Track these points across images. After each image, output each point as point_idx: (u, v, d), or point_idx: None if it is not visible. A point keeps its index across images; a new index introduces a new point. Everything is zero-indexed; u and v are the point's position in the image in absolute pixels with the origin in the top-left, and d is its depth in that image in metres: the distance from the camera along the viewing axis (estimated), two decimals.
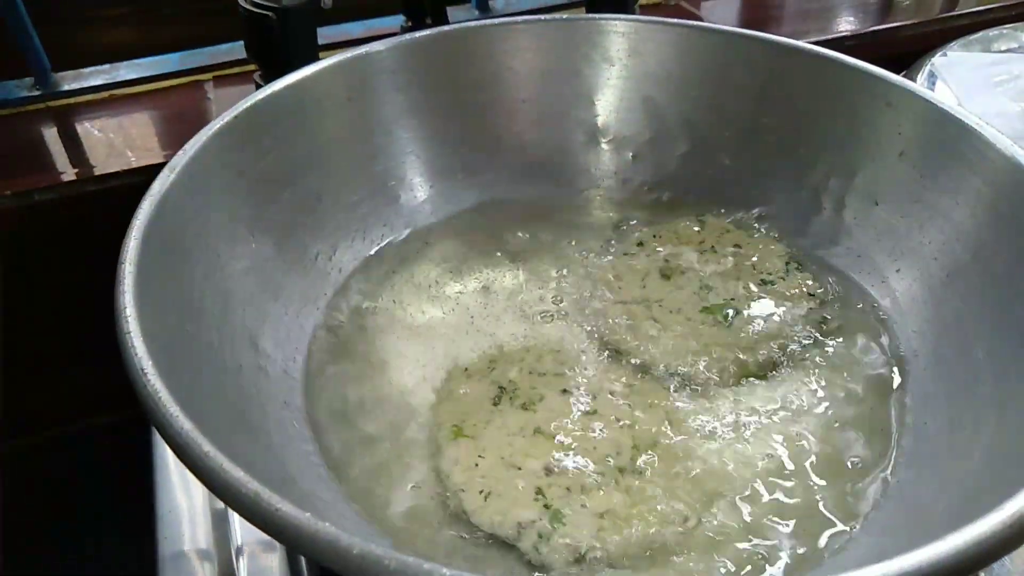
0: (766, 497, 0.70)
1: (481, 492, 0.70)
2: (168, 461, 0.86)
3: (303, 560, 0.75)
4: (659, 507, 0.69)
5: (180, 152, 0.76)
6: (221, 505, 0.82)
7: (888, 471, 0.72)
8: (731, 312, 0.87)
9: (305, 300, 0.88)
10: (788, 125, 0.96)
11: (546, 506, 0.69)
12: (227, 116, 0.81)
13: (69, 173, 1.11)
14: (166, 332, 0.62)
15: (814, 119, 0.94)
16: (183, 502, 0.83)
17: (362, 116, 0.96)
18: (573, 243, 0.99)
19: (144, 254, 0.64)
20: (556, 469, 0.72)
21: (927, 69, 1.28)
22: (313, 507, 0.64)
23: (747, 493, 0.71)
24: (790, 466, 0.73)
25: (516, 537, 0.67)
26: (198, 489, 0.84)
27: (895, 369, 0.81)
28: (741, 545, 0.67)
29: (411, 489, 0.73)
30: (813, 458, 0.74)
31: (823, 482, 0.72)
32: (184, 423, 0.49)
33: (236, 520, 0.80)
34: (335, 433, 0.78)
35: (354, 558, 0.41)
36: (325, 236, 0.93)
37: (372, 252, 0.97)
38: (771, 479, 0.72)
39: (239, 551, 0.77)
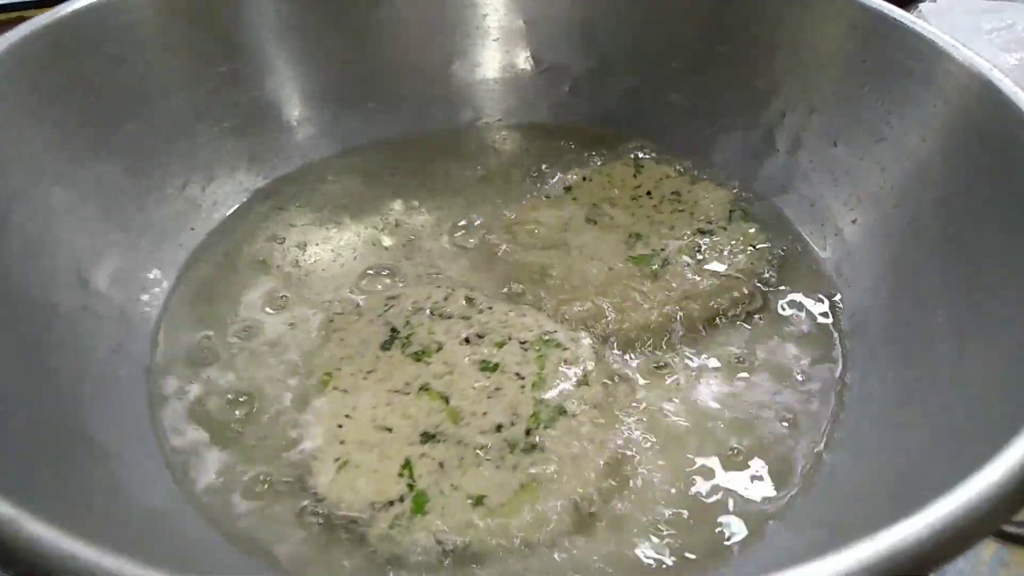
0: (680, 484, 0.59)
1: (337, 460, 0.58)
2: None
3: None
4: (547, 495, 0.57)
5: None
6: None
7: (823, 447, 0.61)
8: (661, 263, 0.75)
9: (164, 234, 0.75)
10: (744, 55, 0.84)
11: (410, 485, 0.57)
12: (46, 18, 0.67)
13: None
14: None
15: (773, 48, 0.81)
16: None
17: (239, 31, 0.80)
18: (491, 183, 0.86)
19: None
20: (435, 437, 0.60)
21: (914, 15, 1.16)
22: (113, 470, 0.53)
23: (656, 479, 0.59)
24: (713, 448, 0.61)
25: (367, 521, 0.55)
26: None
27: (843, 331, 0.69)
28: (635, 548, 0.56)
29: (259, 453, 0.61)
30: (742, 438, 0.62)
31: (750, 464, 0.61)
32: None
33: None
34: (179, 385, 0.65)
35: None
36: (198, 164, 0.79)
37: (257, 186, 0.84)
38: (689, 461, 0.60)
39: None
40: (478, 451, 0.59)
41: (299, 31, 0.83)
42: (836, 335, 0.69)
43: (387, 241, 0.80)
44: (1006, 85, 0.60)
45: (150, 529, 0.52)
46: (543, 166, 0.88)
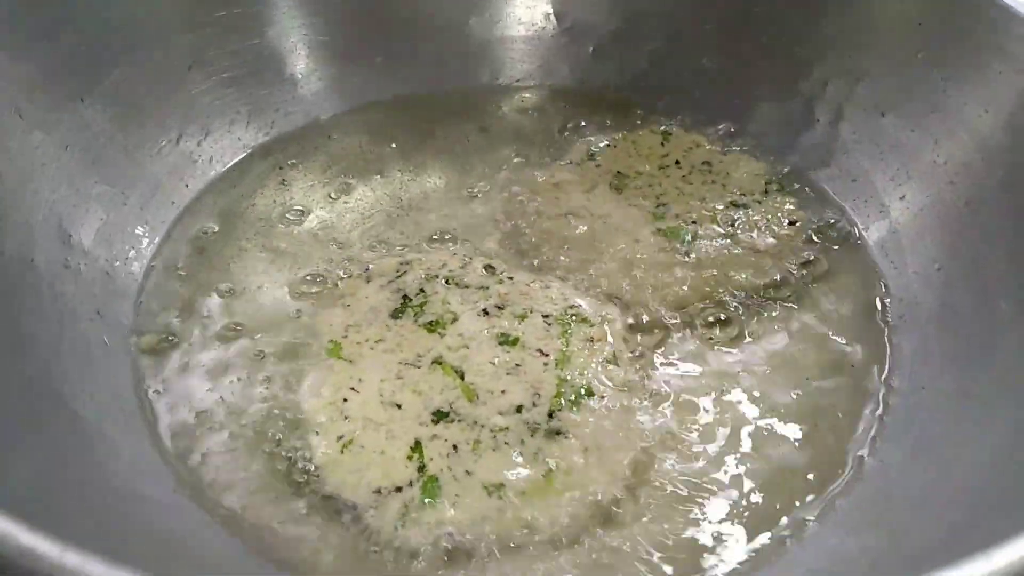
0: (713, 476, 0.54)
1: (340, 439, 0.53)
2: None
3: None
4: (572, 485, 0.51)
5: None
6: None
7: (867, 449, 0.56)
8: (691, 237, 0.69)
9: (155, 190, 0.69)
10: (784, 16, 0.78)
11: (420, 469, 0.52)
12: None
13: None
14: None
15: (816, 9, 0.75)
16: None
17: None
18: (509, 147, 0.80)
19: None
20: (448, 415, 0.55)
21: None
22: (94, 445, 0.48)
23: (686, 472, 0.54)
24: (747, 443, 0.56)
25: (372, 508, 0.50)
26: None
27: (889, 321, 0.64)
28: (666, 545, 0.50)
29: (254, 428, 0.55)
30: (779, 433, 0.57)
31: (787, 459, 0.55)
32: None
33: None
34: (167, 353, 0.60)
35: None
36: (194, 116, 0.73)
37: (258, 142, 0.78)
38: (722, 451, 0.55)
39: None
40: (495, 433, 0.54)
41: None
42: (882, 324, 0.64)
43: (396, 205, 0.74)
44: None
45: (133, 510, 0.47)
46: (564, 131, 0.82)
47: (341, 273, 0.66)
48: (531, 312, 0.62)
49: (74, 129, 0.63)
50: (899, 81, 0.69)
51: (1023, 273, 0.55)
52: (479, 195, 0.75)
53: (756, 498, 0.53)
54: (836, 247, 0.70)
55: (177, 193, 0.71)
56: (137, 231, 0.66)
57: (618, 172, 0.76)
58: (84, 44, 0.64)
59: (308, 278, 0.66)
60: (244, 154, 0.77)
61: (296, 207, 0.73)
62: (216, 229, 0.70)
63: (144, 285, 0.64)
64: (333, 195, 0.75)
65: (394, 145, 0.80)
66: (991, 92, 0.61)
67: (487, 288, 0.64)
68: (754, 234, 0.70)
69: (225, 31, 0.74)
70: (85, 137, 0.64)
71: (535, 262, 0.68)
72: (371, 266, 0.66)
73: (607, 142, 0.79)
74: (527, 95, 0.86)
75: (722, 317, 0.64)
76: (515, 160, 0.79)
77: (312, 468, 0.52)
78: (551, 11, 0.86)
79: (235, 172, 0.76)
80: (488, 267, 0.66)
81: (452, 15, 0.85)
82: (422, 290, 0.63)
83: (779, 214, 0.71)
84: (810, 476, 0.54)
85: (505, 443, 0.53)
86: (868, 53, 0.72)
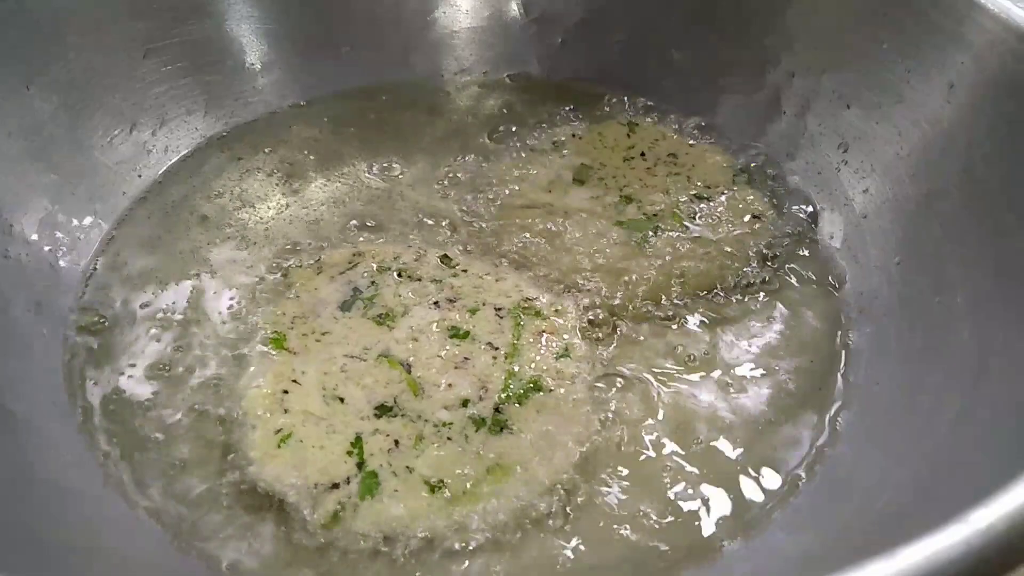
0: (664, 474, 0.53)
1: (278, 432, 0.52)
2: None
3: None
4: (514, 483, 0.50)
5: None
6: None
7: (824, 441, 0.54)
8: (653, 230, 0.68)
9: (105, 180, 0.68)
10: (751, 8, 0.76)
11: (359, 464, 0.51)
12: None
13: None
14: None
15: (783, 0, 0.74)
16: None
17: None
18: (473, 138, 0.79)
19: None
20: (392, 410, 0.54)
21: None
22: (21, 439, 0.46)
23: (632, 469, 0.53)
24: (696, 441, 0.54)
25: (308, 504, 0.49)
26: None
27: (850, 313, 0.63)
28: (612, 546, 0.49)
29: (188, 422, 0.54)
30: (730, 432, 0.55)
31: (740, 456, 0.54)
32: None
33: None
34: (106, 344, 0.58)
35: None
36: (148, 105, 0.72)
37: (215, 133, 0.77)
38: (675, 448, 0.54)
39: None
40: (439, 428, 0.53)
41: None
42: (842, 316, 0.62)
43: (354, 197, 0.73)
44: None
45: (58, 505, 0.46)
46: (530, 122, 0.80)
47: (293, 263, 0.65)
48: (484, 305, 0.61)
49: (19, 117, 0.62)
50: (864, 73, 0.68)
51: (979, 266, 0.53)
52: (440, 186, 0.74)
53: (701, 497, 0.52)
54: (798, 241, 0.68)
55: (129, 183, 0.70)
56: (85, 222, 0.65)
57: (583, 164, 0.75)
58: (28, 29, 0.63)
59: (259, 269, 0.65)
60: (201, 144, 0.76)
61: (252, 197, 0.72)
62: (168, 220, 0.69)
63: (89, 276, 0.63)
64: (290, 186, 0.73)
65: (355, 136, 0.79)
66: (952, 82, 0.60)
67: (440, 281, 0.62)
68: (716, 228, 0.68)
69: (181, 18, 0.73)
70: (31, 125, 0.63)
71: (493, 254, 0.67)
72: (323, 256, 0.65)
73: (573, 133, 0.78)
74: (493, 86, 0.85)
75: (678, 312, 0.63)
76: (478, 150, 0.77)
77: (248, 462, 0.51)
78: (519, 1, 0.85)
79: (191, 162, 0.75)
80: (444, 258, 0.65)
81: (417, 4, 0.84)
82: (374, 282, 0.62)
83: (742, 207, 0.70)
84: (759, 480, 0.53)
85: (448, 438, 0.52)
86: (834, 44, 0.70)
